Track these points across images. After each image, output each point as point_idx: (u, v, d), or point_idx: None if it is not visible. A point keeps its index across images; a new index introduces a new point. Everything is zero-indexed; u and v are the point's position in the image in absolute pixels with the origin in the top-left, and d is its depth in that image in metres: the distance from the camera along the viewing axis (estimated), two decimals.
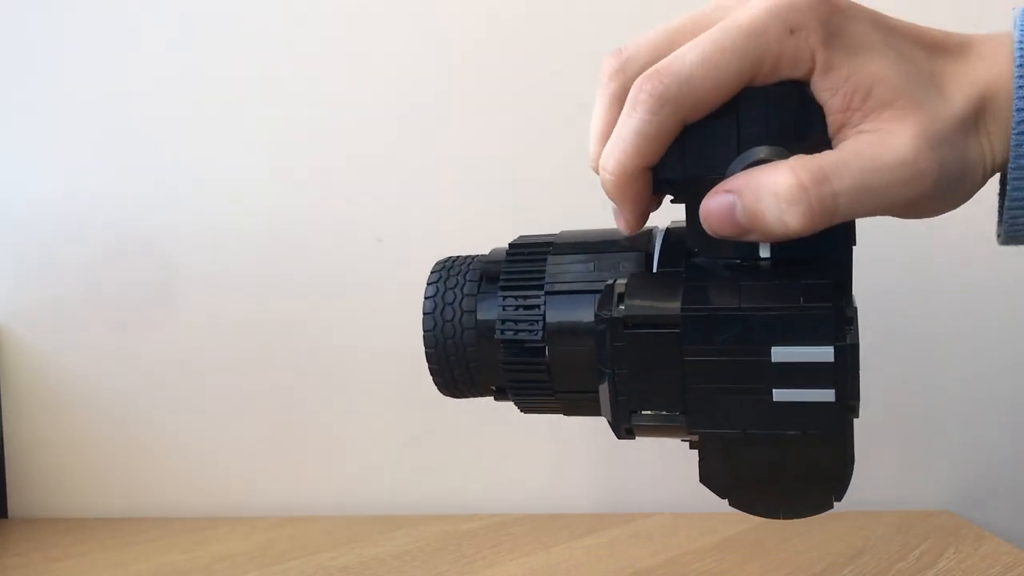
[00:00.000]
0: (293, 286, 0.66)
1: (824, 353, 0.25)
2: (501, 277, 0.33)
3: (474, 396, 0.36)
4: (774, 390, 0.26)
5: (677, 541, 0.56)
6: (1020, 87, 0.28)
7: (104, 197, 0.66)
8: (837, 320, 0.26)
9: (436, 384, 0.35)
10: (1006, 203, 0.29)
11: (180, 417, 0.66)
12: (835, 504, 0.29)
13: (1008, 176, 0.29)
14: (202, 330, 0.66)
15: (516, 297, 0.32)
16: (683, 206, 0.30)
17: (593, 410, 0.31)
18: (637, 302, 0.29)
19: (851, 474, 0.28)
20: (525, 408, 0.34)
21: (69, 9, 0.65)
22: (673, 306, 0.27)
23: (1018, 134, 0.28)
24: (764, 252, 0.28)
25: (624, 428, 0.29)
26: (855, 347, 0.26)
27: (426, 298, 0.34)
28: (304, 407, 0.66)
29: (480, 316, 0.33)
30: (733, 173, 0.27)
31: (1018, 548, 0.52)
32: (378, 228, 0.65)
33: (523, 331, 0.32)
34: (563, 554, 0.54)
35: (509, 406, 0.71)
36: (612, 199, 0.30)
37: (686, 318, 0.27)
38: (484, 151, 0.65)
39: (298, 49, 0.65)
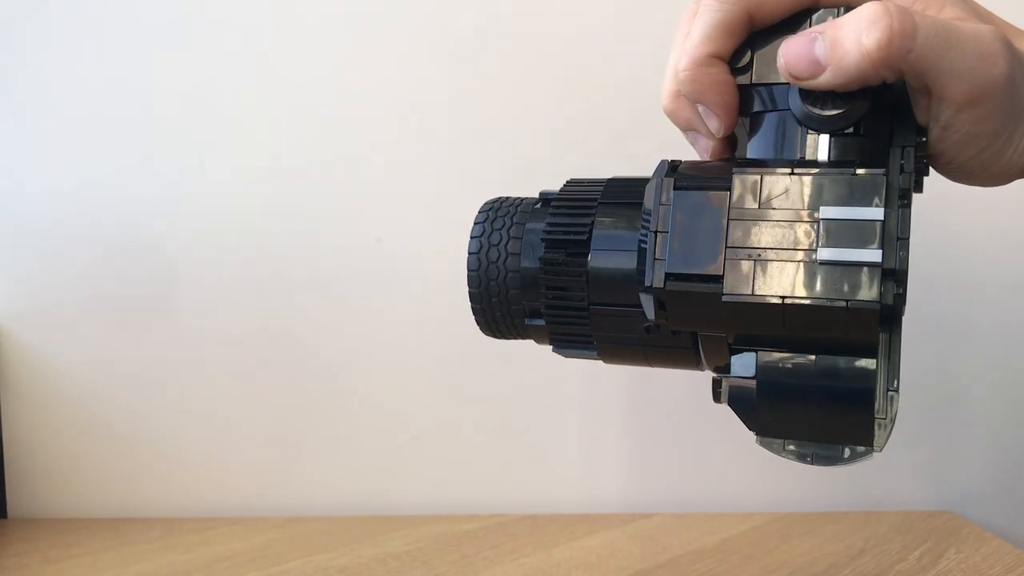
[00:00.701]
0: (293, 286, 0.66)
1: (874, 213, 0.25)
2: (556, 196, 0.33)
3: (514, 337, 0.35)
4: (819, 248, 0.25)
5: (677, 541, 0.56)
6: None
7: (104, 197, 0.66)
8: (891, 187, 0.25)
9: (478, 323, 0.35)
10: None
11: (180, 417, 0.66)
12: (875, 454, 0.27)
13: None
14: (202, 330, 0.66)
15: (569, 205, 0.32)
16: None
17: (624, 331, 0.30)
18: (691, 168, 0.29)
19: (895, 411, 0.26)
20: (556, 335, 0.33)
21: (69, 8, 0.65)
22: (726, 169, 0.27)
23: None
24: (822, 155, 0.28)
25: (658, 299, 0.28)
26: (907, 214, 0.25)
27: (472, 237, 0.34)
28: (304, 407, 0.66)
29: (524, 264, 0.33)
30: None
31: (1019, 548, 0.52)
32: (378, 228, 0.65)
33: (570, 231, 0.31)
34: (563, 554, 0.54)
35: (510, 407, 0.71)
36: (692, 98, 0.30)
37: (738, 178, 0.27)
38: (485, 151, 0.65)
39: (298, 48, 0.65)
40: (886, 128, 0.28)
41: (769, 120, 0.29)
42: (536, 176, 0.65)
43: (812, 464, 0.28)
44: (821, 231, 0.25)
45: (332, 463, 0.67)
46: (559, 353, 0.34)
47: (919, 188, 0.31)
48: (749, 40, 0.29)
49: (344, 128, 0.65)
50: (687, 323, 0.29)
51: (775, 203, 0.26)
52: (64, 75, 0.65)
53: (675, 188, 0.28)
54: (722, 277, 0.27)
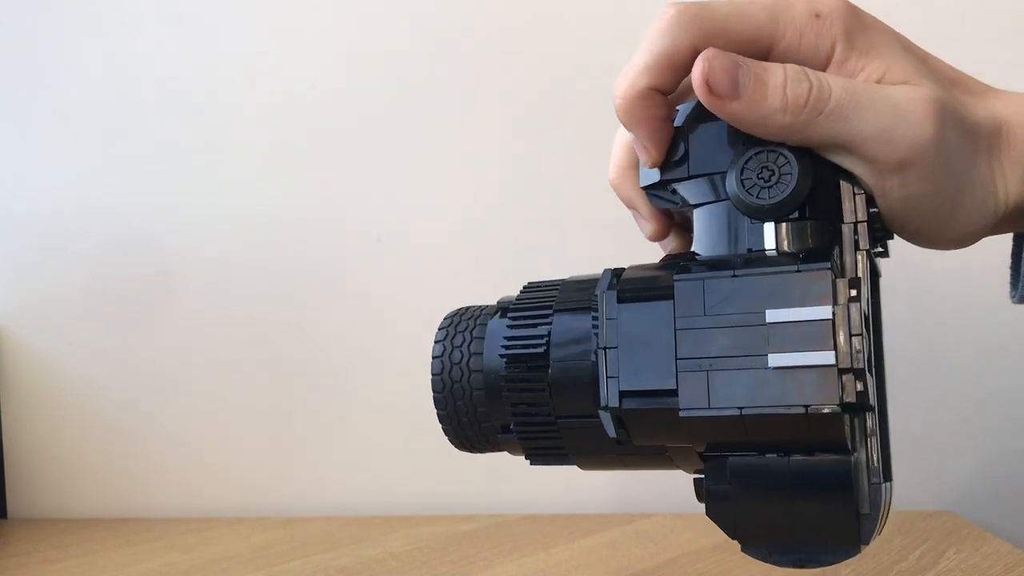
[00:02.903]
0: (293, 286, 0.66)
1: (821, 312, 0.24)
2: (512, 306, 0.32)
3: (483, 449, 0.35)
4: (770, 355, 0.24)
5: (677, 541, 0.56)
6: None
7: (104, 197, 0.66)
8: (837, 280, 0.24)
9: (451, 442, 0.35)
10: None
11: (180, 417, 0.66)
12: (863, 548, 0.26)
13: None
14: (202, 330, 0.66)
15: (525, 316, 0.31)
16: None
17: (595, 441, 0.29)
18: (634, 277, 0.28)
19: (879, 507, 0.25)
20: (530, 449, 0.32)
21: (69, 10, 0.65)
22: (668, 278, 0.27)
23: None
24: (769, 244, 0.27)
25: (615, 415, 0.27)
26: (858, 308, 0.24)
27: (434, 357, 0.33)
28: (304, 407, 0.66)
29: (487, 359, 0.32)
30: (735, 165, 0.27)
31: (1019, 548, 0.52)
32: (378, 228, 0.65)
33: (528, 344, 0.30)
34: (563, 554, 0.54)
35: None
36: (624, 126, 0.29)
37: (679, 286, 0.26)
38: (485, 151, 0.65)
39: (298, 49, 0.65)
40: (834, 205, 0.27)
41: (711, 211, 0.28)
42: (537, 174, 0.65)
43: (805, 567, 0.26)
44: (769, 336, 0.24)
45: (332, 463, 0.67)
46: (537, 464, 0.33)
47: (884, 252, 0.30)
48: (683, 132, 0.29)
49: (344, 128, 0.65)
50: (649, 438, 0.28)
51: (720, 309, 0.25)
52: (63, 76, 0.65)
53: (618, 301, 0.27)
54: (676, 391, 0.26)
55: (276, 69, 0.65)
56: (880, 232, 0.29)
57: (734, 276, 0.25)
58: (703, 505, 0.28)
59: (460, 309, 0.35)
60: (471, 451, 0.35)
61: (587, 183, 0.64)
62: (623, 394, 0.27)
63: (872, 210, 0.27)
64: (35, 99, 0.66)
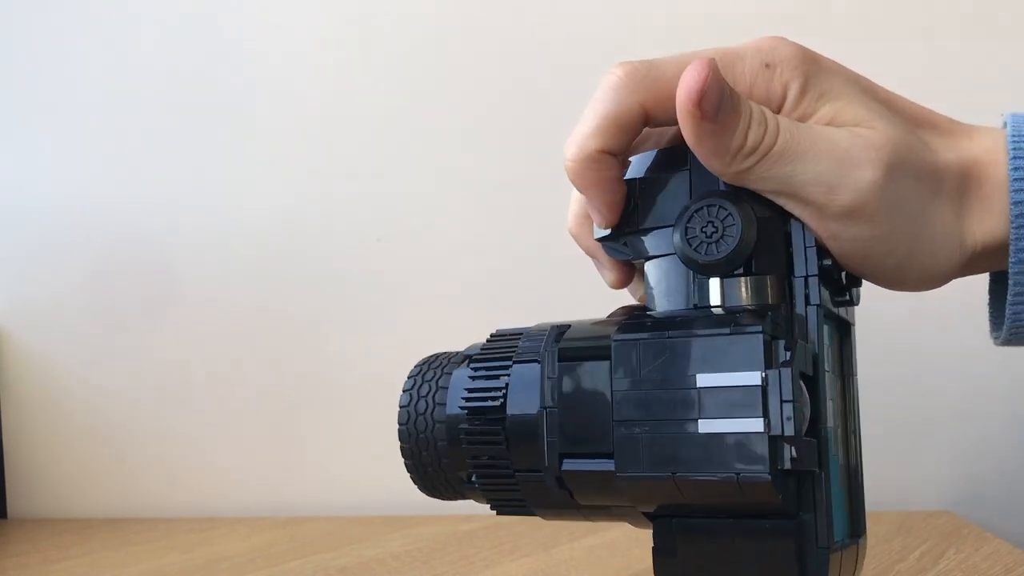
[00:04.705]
0: (293, 286, 0.66)
1: (751, 378, 0.24)
2: (475, 356, 0.32)
3: (451, 497, 0.34)
4: (700, 420, 0.24)
5: None
6: (1017, 173, 0.27)
7: (104, 198, 0.66)
8: (769, 345, 0.24)
9: (414, 482, 0.34)
10: (1008, 299, 0.28)
11: (181, 417, 0.66)
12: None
13: (1009, 271, 0.27)
14: (202, 330, 0.66)
15: (486, 367, 0.31)
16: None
17: (551, 499, 0.29)
18: (576, 336, 0.28)
19: (825, 569, 0.25)
20: (493, 501, 0.32)
21: (71, 12, 0.65)
22: (608, 337, 0.26)
23: (1017, 228, 0.26)
24: (715, 300, 0.26)
25: (555, 476, 0.27)
26: (789, 374, 0.24)
27: (400, 407, 0.33)
28: (304, 407, 0.66)
29: (449, 411, 0.31)
30: (680, 221, 0.27)
31: (1019, 548, 0.52)
32: (378, 228, 0.65)
33: (487, 396, 0.30)
34: (563, 554, 0.54)
35: None
36: (576, 187, 0.29)
37: (616, 347, 0.26)
38: (487, 152, 0.65)
39: (300, 51, 0.65)
40: (783, 260, 0.26)
41: (660, 265, 0.28)
42: (539, 175, 0.65)
43: None
44: (701, 401, 0.24)
45: (332, 463, 0.67)
46: (503, 515, 0.33)
47: (851, 301, 0.30)
48: (633, 185, 0.28)
49: (345, 128, 0.65)
50: (591, 498, 0.28)
51: (654, 371, 0.25)
52: (65, 78, 0.65)
53: (559, 359, 0.27)
54: (613, 454, 0.26)
55: (276, 69, 0.65)
56: (847, 281, 0.29)
57: (668, 338, 0.25)
58: None
59: (429, 357, 0.34)
60: (440, 498, 0.34)
61: None
62: (562, 456, 0.27)
63: (826, 262, 0.27)
64: (35, 99, 0.66)
